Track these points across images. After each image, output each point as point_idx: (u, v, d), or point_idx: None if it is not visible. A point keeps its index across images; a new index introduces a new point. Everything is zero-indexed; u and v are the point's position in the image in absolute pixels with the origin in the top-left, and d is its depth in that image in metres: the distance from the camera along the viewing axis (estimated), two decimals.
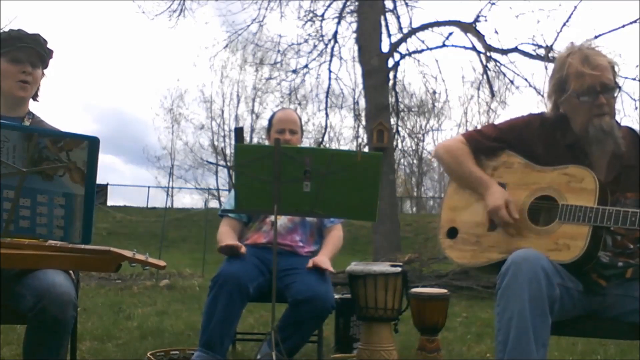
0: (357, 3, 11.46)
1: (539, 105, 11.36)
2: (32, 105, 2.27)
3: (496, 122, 2.26)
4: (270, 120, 3.06)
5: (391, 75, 11.49)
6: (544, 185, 2.03)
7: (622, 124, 2.13)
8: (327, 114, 12.97)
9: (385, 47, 11.14)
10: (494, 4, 10.77)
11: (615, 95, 2.02)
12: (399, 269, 2.82)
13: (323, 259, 2.69)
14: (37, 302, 1.79)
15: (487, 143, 2.17)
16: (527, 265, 1.77)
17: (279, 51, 12.74)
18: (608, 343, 3.72)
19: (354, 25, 11.59)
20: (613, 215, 1.86)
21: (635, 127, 2.11)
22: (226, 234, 2.83)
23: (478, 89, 12.35)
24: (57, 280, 1.84)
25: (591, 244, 1.89)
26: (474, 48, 11.23)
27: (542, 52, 10.48)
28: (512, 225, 2.02)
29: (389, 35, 11.52)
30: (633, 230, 1.92)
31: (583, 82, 1.99)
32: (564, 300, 1.86)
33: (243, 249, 2.66)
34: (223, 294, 2.47)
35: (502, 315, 1.77)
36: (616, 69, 2.04)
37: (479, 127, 2.36)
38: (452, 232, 2.18)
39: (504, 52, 10.94)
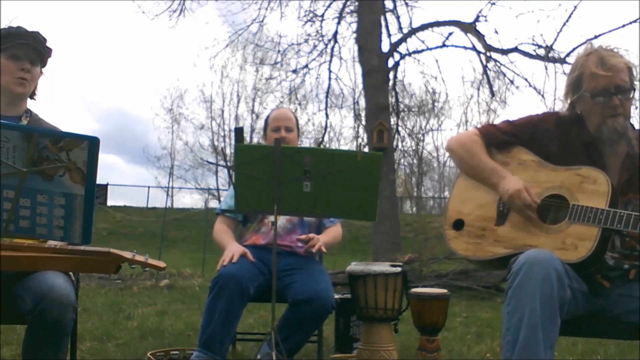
0: (357, 3, 11.46)
1: (538, 105, 11.36)
2: (32, 104, 2.25)
3: (512, 119, 2.23)
4: (266, 120, 3.06)
5: (391, 75, 11.49)
6: (556, 184, 2.01)
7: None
8: (327, 114, 12.96)
9: (385, 47, 11.14)
10: (494, 4, 10.79)
11: (631, 96, 2.02)
12: (399, 269, 2.81)
13: (318, 237, 2.74)
14: (37, 304, 1.78)
15: (501, 136, 2.17)
16: (540, 266, 1.75)
17: (279, 51, 12.75)
18: (608, 343, 3.71)
19: (354, 25, 11.59)
20: (624, 218, 1.84)
21: (635, 127, 2.11)
22: (224, 233, 2.84)
23: (478, 89, 12.36)
24: (56, 282, 1.83)
25: (599, 246, 1.88)
26: (474, 48, 11.24)
27: (542, 52, 10.49)
28: (531, 210, 1.99)
29: (389, 35, 11.53)
30: None
31: (597, 83, 2.00)
32: (570, 302, 1.85)
33: (249, 255, 2.65)
34: (223, 295, 2.46)
35: (512, 315, 1.75)
36: (634, 71, 2.04)
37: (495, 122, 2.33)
38: (458, 224, 2.16)
39: (504, 52, 10.95)
